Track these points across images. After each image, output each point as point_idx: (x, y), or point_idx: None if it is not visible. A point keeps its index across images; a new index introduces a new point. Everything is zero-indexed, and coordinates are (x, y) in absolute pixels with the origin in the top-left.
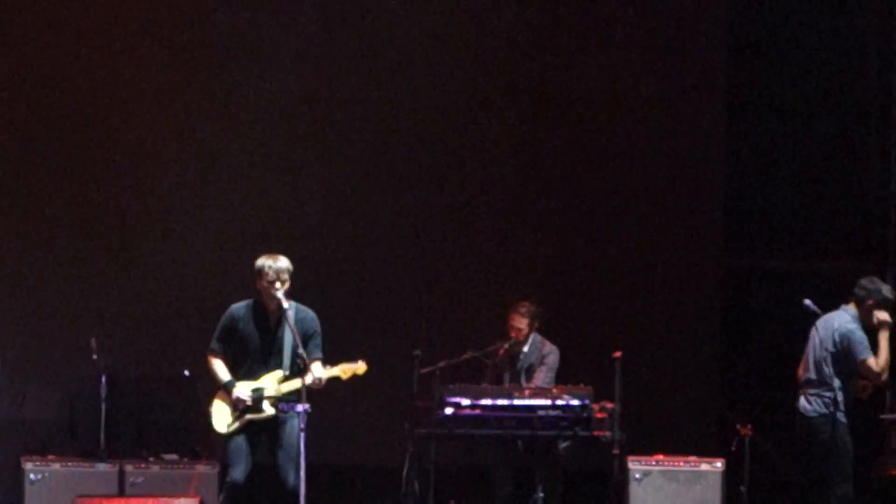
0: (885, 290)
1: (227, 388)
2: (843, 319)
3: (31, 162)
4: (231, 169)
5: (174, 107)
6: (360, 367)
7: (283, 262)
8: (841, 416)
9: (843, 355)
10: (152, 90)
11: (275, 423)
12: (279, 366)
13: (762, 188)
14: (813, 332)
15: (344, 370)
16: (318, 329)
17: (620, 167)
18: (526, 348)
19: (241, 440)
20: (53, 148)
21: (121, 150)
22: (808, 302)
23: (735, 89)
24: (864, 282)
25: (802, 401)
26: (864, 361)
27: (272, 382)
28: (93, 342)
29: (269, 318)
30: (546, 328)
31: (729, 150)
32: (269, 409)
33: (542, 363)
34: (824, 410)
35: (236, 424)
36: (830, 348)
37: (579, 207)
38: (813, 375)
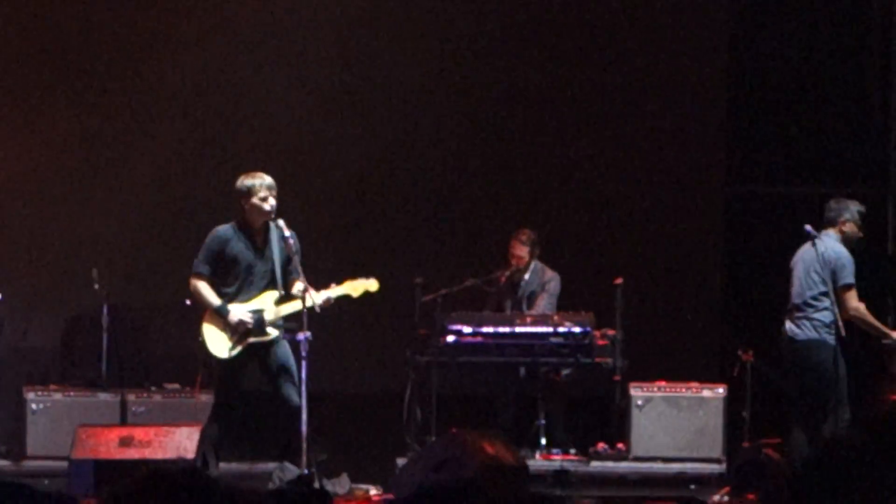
0: (853, 205)
1: (220, 312)
2: (829, 242)
3: (29, 94)
4: (229, 94)
5: (181, 35)
6: (372, 283)
7: (269, 178)
8: (831, 340)
9: (830, 277)
10: (154, 26)
11: (269, 345)
12: (272, 286)
13: (764, 113)
14: (799, 256)
15: (355, 287)
16: (299, 246)
17: (621, 93)
18: (527, 276)
19: (235, 366)
20: (54, 77)
21: (122, 80)
22: (808, 227)
23: (738, 12)
24: (831, 203)
25: (790, 325)
26: (845, 286)
27: (269, 304)
28: (94, 272)
29: (255, 238)
30: (547, 255)
31: (731, 75)
32: (273, 332)
33: (543, 290)
34: (814, 334)
35: (238, 348)
36: (819, 270)
37: (580, 133)
38: (800, 299)
